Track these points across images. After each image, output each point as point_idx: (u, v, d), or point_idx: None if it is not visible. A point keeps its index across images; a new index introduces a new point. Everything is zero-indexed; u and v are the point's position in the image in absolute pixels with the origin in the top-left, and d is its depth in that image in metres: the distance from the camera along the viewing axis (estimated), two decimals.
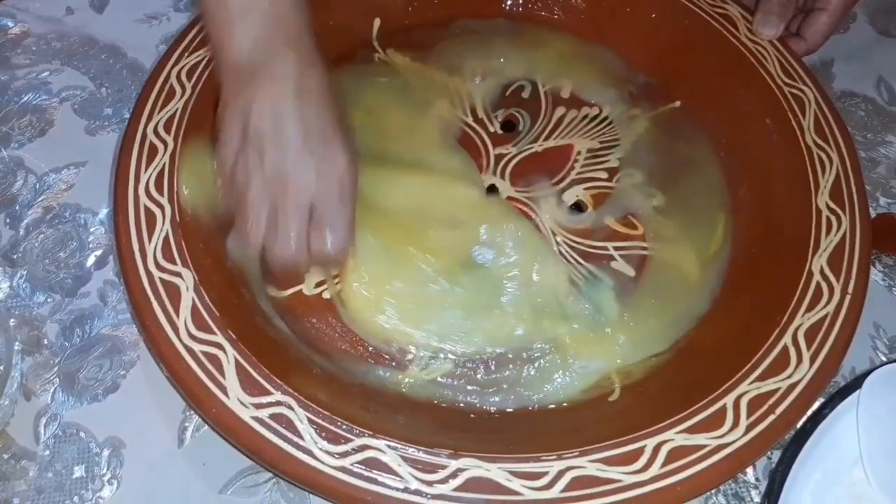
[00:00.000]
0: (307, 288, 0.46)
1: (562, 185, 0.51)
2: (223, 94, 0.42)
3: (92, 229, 0.50)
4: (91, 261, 0.49)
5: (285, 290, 0.45)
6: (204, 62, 0.49)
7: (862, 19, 0.67)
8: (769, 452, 0.44)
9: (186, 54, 0.49)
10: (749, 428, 0.38)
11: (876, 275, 0.51)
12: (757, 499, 0.43)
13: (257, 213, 0.40)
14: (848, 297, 0.43)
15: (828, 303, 0.42)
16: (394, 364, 0.44)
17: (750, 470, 0.44)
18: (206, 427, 0.43)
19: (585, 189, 0.51)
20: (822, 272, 0.44)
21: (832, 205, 0.46)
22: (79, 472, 0.42)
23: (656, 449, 0.37)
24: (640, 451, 0.37)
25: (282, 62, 0.40)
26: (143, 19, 0.61)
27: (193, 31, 0.50)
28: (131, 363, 0.45)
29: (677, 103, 0.56)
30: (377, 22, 0.58)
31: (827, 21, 0.55)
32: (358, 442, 0.36)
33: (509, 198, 0.51)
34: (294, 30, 0.41)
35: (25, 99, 0.56)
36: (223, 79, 0.42)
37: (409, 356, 0.44)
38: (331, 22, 0.55)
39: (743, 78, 0.53)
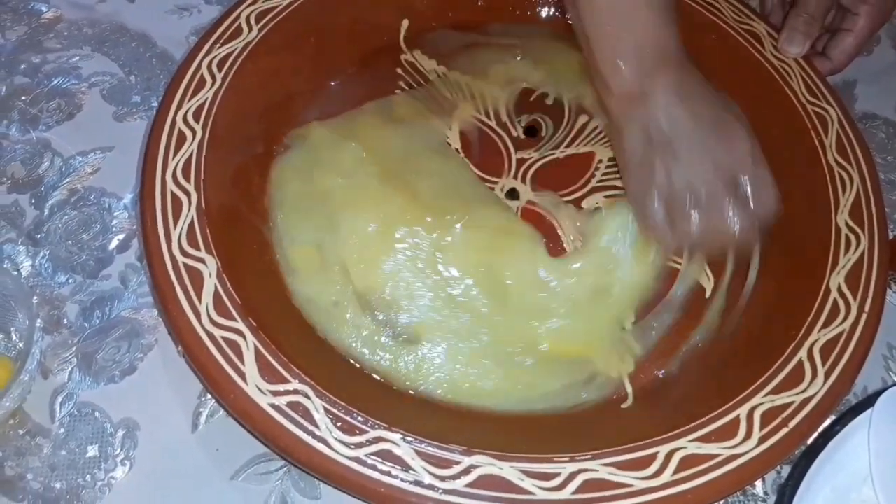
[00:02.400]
0: None
1: (582, 191, 0.52)
2: (617, 122, 0.46)
3: (116, 213, 0.51)
4: (114, 244, 0.49)
5: None
6: (235, 54, 0.49)
7: (886, 43, 0.67)
8: (779, 467, 0.44)
9: (218, 45, 0.49)
10: (762, 440, 0.38)
11: (891, 296, 0.51)
12: None
13: (691, 206, 0.43)
14: (864, 316, 0.43)
15: (844, 320, 0.43)
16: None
17: (759, 483, 0.44)
18: (220, 413, 0.43)
19: (606, 197, 0.51)
20: (839, 290, 0.44)
21: (851, 223, 0.47)
22: (92, 451, 0.42)
23: (668, 456, 0.37)
24: (653, 457, 0.37)
25: (663, 78, 0.44)
26: (174, 10, 0.62)
27: (225, 24, 0.50)
28: (149, 347, 0.46)
29: None
30: (405, 23, 0.58)
31: (853, 42, 0.56)
32: (373, 434, 0.37)
33: (529, 202, 0.51)
34: (669, 47, 0.45)
35: (55, 83, 0.56)
36: (615, 109, 0.46)
37: None
38: (357, 22, 0.56)
39: (767, 94, 0.54)
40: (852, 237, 0.46)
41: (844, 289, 0.44)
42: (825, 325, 0.42)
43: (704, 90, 0.45)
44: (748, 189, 0.43)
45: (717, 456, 0.37)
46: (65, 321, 0.46)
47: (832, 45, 0.56)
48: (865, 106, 0.63)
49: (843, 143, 0.50)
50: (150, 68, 0.58)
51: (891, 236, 0.48)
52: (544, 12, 0.62)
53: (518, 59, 0.58)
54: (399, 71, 0.57)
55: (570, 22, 0.60)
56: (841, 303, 0.43)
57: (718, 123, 0.44)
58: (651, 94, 0.44)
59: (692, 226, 0.43)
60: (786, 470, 0.44)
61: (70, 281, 0.48)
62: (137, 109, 0.56)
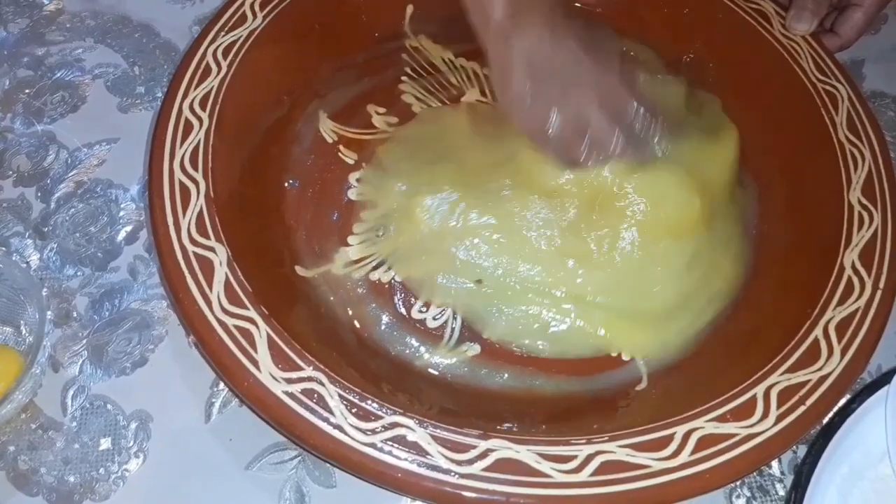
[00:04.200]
0: (336, 267, 0.46)
1: None
2: (492, 56, 0.44)
3: (123, 205, 0.50)
4: (121, 236, 0.49)
5: (313, 269, 0.46)
6: (240, 42, 0.49)
7: (893, 21, 0.67)
8: (795, 447, 0.44)
9: (223, 33, 0.49)
10: (779, 419, 0.38)
11: None
12: (781, 492, 0.43)
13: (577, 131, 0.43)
14: (879, 293, 0.42)
15: (859, 297, 0.42)
16: (426, 336, 0.44)
17: (775, 463, 0.44)
18: (233, 403, 0.43)
19: None
20: (853, 267, 0.43)
21: (864, 200, 0.46)
22: (105, 444, 0.42)
23: (686, 436, 0.37)
24: (670, 437, 0.37)
25: (538, 8, 0.43)
26: (176, 0, 0.61)
27: (230, 11, 0.50)
28: (160, 338, 0.45)
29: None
30: (410, 8, 0.58)
31: (862, 17, 0.55)
32: (388, 420, 0.36)
33: None
34: None
35: (59, 75, 0.56)
36: (490, 43, 0.44)
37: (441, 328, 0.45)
38: (362, 9, 0.56)
39: (776, 73, 0.53)
40: (865, 214, 0.46)
41: (858, 266, 0.43)
42: (840, 303, 0.42)
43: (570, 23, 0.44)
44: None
45: (734, 435, 0.37)
46: (74, 314, 0.46)
47: (841, 21, 0.56)
48: (874, 84, 0.62)
49: (854, 121, 0.50)
50: (153, 59, 0.58)
51: None
52: None
53: None
54: (405, 56, 0.56)
55: (579, 4, 0.61)
56: (855, 280, 0.43)
57: (597, 48, 0.44)
58: (525, 24, 0.43)
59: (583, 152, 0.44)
60: (802, 450, 0.44)
61: (78, 273, 0.48)
62: (142, 100, 0.55)
